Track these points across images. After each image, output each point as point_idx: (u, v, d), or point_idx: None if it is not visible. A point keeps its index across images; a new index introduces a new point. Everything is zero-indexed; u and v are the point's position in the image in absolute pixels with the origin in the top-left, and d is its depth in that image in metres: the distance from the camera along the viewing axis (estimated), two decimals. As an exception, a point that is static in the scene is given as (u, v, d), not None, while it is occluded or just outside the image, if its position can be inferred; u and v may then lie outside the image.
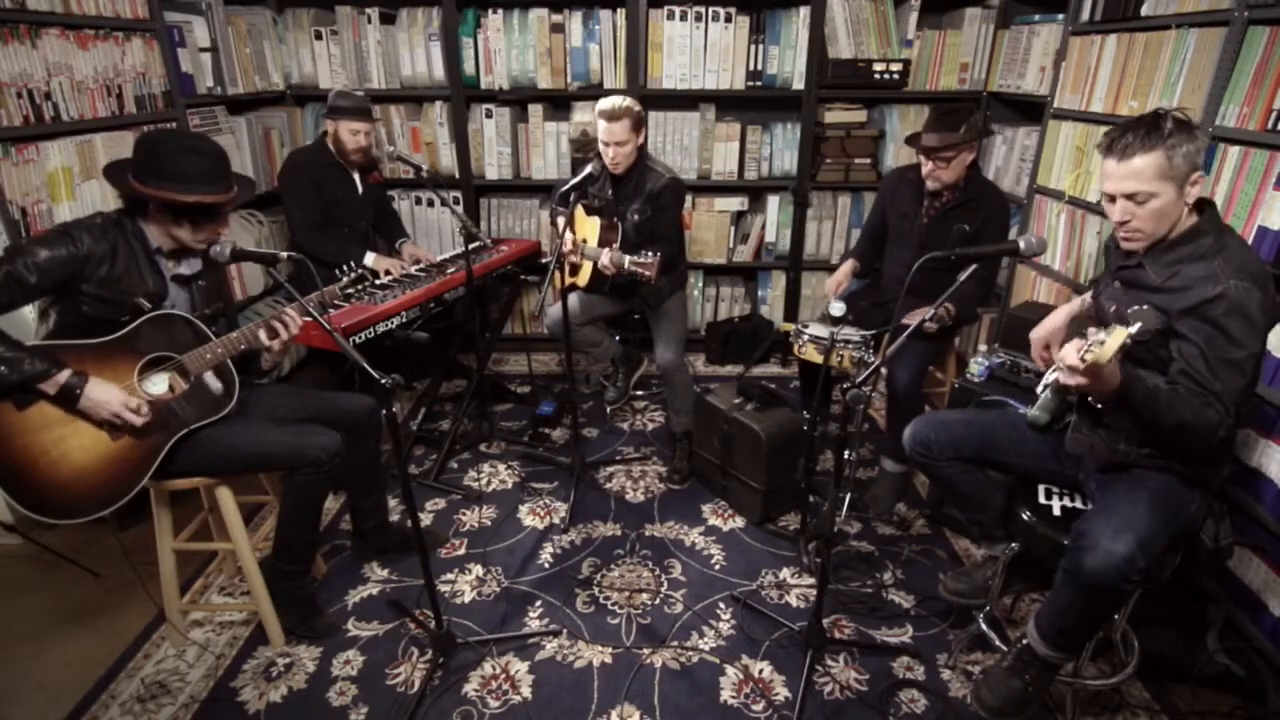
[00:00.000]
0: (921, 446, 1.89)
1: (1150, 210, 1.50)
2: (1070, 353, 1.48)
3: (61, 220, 1.95)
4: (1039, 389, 1.85)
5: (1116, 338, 1.35)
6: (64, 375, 1.58)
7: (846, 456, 1.80)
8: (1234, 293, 1.43)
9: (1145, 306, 1.54)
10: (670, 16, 3.31)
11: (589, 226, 2.79)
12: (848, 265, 2.76)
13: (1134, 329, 1.37)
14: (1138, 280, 1.61)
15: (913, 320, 2.40)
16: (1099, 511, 1.55)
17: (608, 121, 2.55)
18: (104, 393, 1.62)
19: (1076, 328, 1.84)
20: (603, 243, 2.72)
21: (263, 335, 1.85)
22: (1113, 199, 1.55)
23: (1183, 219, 1.54)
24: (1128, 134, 1.50)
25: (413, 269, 2.94)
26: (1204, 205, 1.56)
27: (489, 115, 3.50)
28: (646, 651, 2.01)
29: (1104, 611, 1.56)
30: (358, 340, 2.41)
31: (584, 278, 2.79)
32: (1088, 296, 1.88)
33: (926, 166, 2.44)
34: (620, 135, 2.57)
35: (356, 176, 2.91)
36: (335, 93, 2.78)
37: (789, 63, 3.40)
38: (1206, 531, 1.61)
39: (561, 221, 2.39)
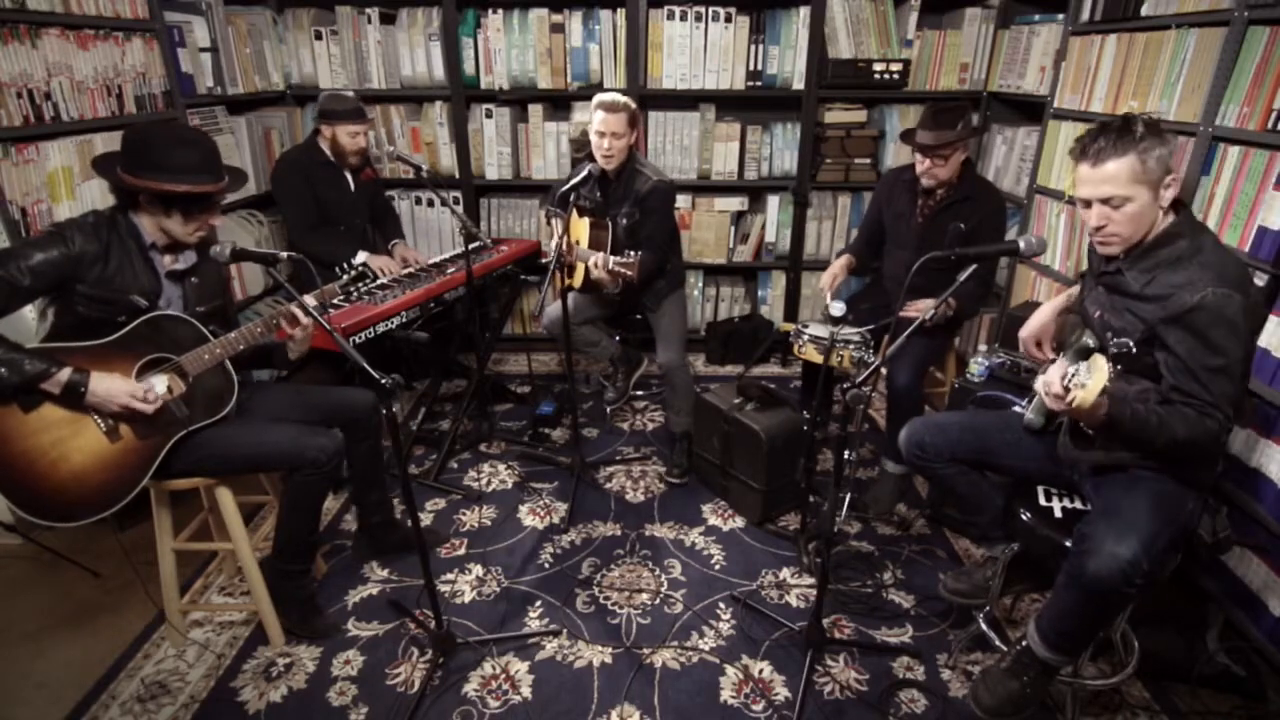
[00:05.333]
0: (918, 449, 1.89)
1: (1126, 214, 1.50)
2: (1055, 380, 1.48)
3: (60, 221, 1.95)
4: (1036, 385, 1.85)
5: (1098, 380, 1.36)
6: (65, 373, 1.58)
7: (846, 456, 1.80)
8: (1213, 300, 1.42)
9: (1128, 343, 1.53)
10: (670, 16, 3.32)
11: (580, 228, 2.79)
12: (842, 260, 2.75)
13: (1115, 369, 1.38)
14: (1118, 286, 1.61)
15: (912, 312, 2.42)
16: (1100, 514, 1.54)
17: (607, 112, 2.55)
18: (109, 385, 1.62)
19: (1071, 326, 1.84)
20: (593, 243, 2.72)
21: (283, 324, 1.86)
22: (1088, 204, 1.55)
23: (1158, 222, 1.54)
24: (1099, 139, 1.49)
25: (403, 272, 2.92)
26: (1178, 206, 1.56)
27: (489, 115, 3.50)
28: (646, 651, 2.01)
29: (1106, 615, 1.55)
30: (358, 340, 2.41)
31: (578, 279, 2.79)
32: (1074, 290, 1.88)
33: (923, 164, 2.44)
34: (617, 127, 2.56)
35: (349, 175, 2.91)
36: (327, 96, 2.77)
37: (789, 63, 3.40)
38: (1204, 527, 1.61)
39: (558, 223, 2.39)
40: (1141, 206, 1.49)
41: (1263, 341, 1.79)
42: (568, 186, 2.47)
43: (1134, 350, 1.52)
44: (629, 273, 2.38)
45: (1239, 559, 1.86)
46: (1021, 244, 1.64)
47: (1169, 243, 1.53)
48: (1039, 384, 1.61)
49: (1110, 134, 1.48)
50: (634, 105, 2.59)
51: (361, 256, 2.84)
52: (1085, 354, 1.69)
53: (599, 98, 2.57)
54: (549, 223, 2.89)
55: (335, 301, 2.53)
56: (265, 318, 1.87)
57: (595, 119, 2.59)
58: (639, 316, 3.01)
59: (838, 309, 2.32)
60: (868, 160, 3.56)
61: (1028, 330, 1.90)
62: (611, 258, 2.42)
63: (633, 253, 2.39)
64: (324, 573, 2.32)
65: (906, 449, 1.91)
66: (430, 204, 3.68)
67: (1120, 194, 1.49)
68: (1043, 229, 2.86)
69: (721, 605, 2.18)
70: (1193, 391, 1.46)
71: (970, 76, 3.44)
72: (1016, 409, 1.96)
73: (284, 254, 1.81)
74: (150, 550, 1.97)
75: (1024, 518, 1.73)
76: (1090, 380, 1.38)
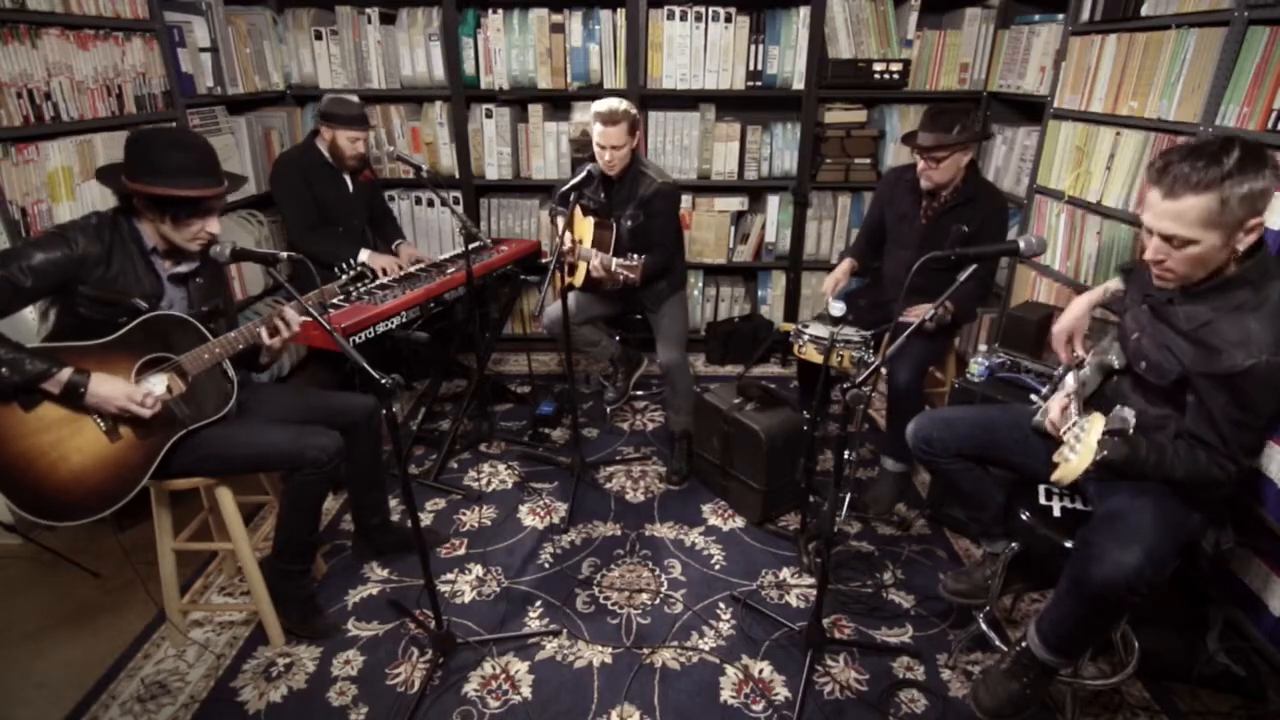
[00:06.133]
0: (924, 443, 1.88)
1: (1186, 256, 1.36)
2: (1054, 413, 1.46)
3: (61, 221, 1.95)
4: (1056, 377, 1.85)
5: (1083, 459, 1.34)
6: (66, 373, 1.58)
7: (846, 456, 1.80)
8: (1265, 368, 1.31)
9: (1129, 416, 1.40)
10: (670, 16, 3.31)
11: (584, 227, 2.80)
12: (845, 264, 2.76)
13: (1100, 455, 1.35)
14: (1165, 317, 1.51)
15: (911, 317, 2.42)
16: (1105, 520, 1.53)
17: (606, 125, 2.55)
18: (109, 387, 1.62)
19: (1097, 329, 1.83)
20: (596, 242, 2.72)
21: (263, 333, 1.85)
22: (1150, 231, 1.40)
23: (1228, 264, 1.40)
24: (1184, 163, 1.31)
25: (411, 268, 2.94)
26: (1255, 246, 1.39)
27: (489, 115, 3.50)
28: (646, 651, 2.01)
29: (1107, 621, 1.55)
30: (358, 340, 2.41)
31: (579, 278, 2.80)
32: (1111, 284, 1.82)
33: (920, 165, 2.44)
34: (617, 139, 2.57)
35: (347, 176, 2.91)
36: (331, 99, 2.76)
37: (789, 63, 3.40)
38: (1207, 539, 1.60)
39: (561, 222, 2.40)
40: (1206, 250, 1.34)
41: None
42: (568, 186, 2.47)
43: (1132, 431, 1.40)
44: (631, 275, 2.39)
45: (1239, 559, 1.86)
46: (1021, 244, 1.63)
47: (1233, 288, 1.39)
48: (1053, 404, 1.58)
49: (1197, 161, 1.29)
50: (633, 111, 2.58)
51: (364, 255, 2.85)
52: (1106, 372, 1.69)
53: (596, 108, 2.57)
54: (553, 221, 2.89)
55: (335, 301, 2.54)
56: (265, 317, 1.87)
57: (594, 131, 2.59)
58: (639, 316, 3.01)
59: (838, 309, 2.32)
60: (868, 160, 3.55)
61: (1061, 325, 1.82)
62: (614, 259, 2.42)
63: (636, 255, 2.39)
64: (324, 573, 2.32)
65: (913, 443, 1.91)
66: (430, 204, 3.68)
67: (1184, 235, 1.33)
68: (1043, 229, 2.86)
69: (721, 605, 2.18)
70: (1211, 442, 1.42)
71: (970, 76, 3.43)
72: (1033, 397, 1.95)
73: (284, 254, 1.81)
74: (150, 550, 1.97)
75: (1024, 517, 1.73)
76: (1075, 456, 1.35)
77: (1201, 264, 1.38)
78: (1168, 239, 1.37)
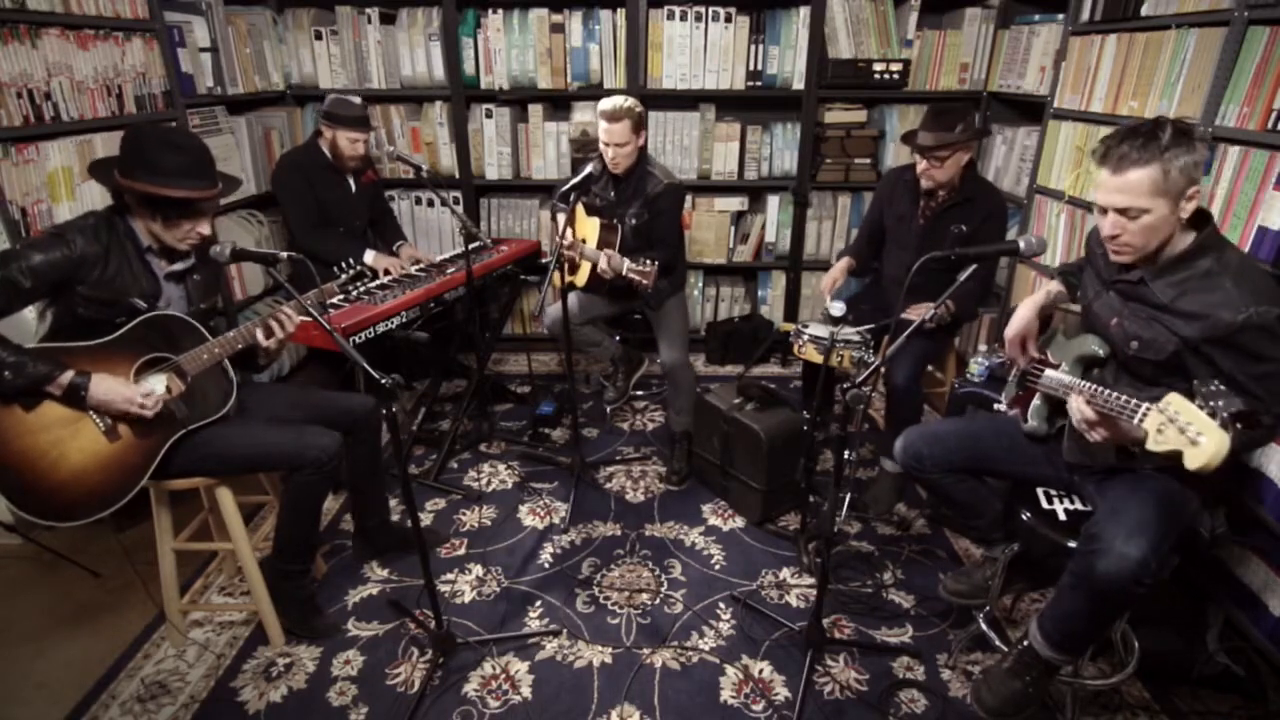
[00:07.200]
0: (914, 460, 1.88)
1: (1141, 226, 1.47)
2: (1089, 410, 1.46)
3: (60, 221, 1.95)
4: (1011, 380, 1.87)
5: (1214, 433, 1.21)
6: (68, 376, 1.59)
7: (846, 456, 1.80)
8: (1258, 319, 1.39)
9: (1223, 388, 1.32)
10: (670, 16, 3.32)
11: (588, 226, 2.79)
12: (843, 262, 2.76)
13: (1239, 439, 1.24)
14: (1140, 296, 1.57)
15: (912, 315, 2.41)
16: (1108, 514, 1.54)
17: (609, 122, 2.55)
18: (110, 388, 1.63)
19: (1065, 327, 1.84)
20: (602, 243, 2.72)
21: (259, 334, 1.84)
22: (1104, 211, 1.51)
23: (1178, 235, 1.50)
24: (1124, 144, 1.45)
25: (413, 269, 2.94)
26: (1203, 219, 1.51)
27: (489, 115, 3.50)
28: (646, 651, 2.01)
29: (1112, 615, 1.55)
30: (358, 340, 2.41)
31: (582, 278, 2.79)
32: (1052, 286, 1.86)
33: (921, 165, 2.44)
34: (620, 136, 2.57)
35: (350, 177, 2.91)
36: (334, 99, 2.76)
37: (789, 63, 3.40)
38: (1203, 524, 1.61)
39: (562, 219, 2.40)
40: (1158, 219, 1.45)
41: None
42: (569, 185, 2.47)
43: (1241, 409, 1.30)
44: (645, 280, 2.40)
45: (1239, 559, 1.86)
46: (1021, 244, 1.63)
47: (1193, 259, 1.48)
48: (1072, 409, 1.55)
49: (1136, 139, 1.43)
50: (638, 109, 2.58)
51: (369, 256, 2.85)
52: (1090, 363, 1.69)
53: (600, 105, 2.58)
54: (554, 219, 2.89)
55: (335, 301, 2.54)
56: (263, 317, 1.87)
57: (599, 128, 2.60)
58: (639, 316, 3.01)
59: (838, 309, 2.32)
60: (868, 160, 3.56)
61: (1012, 331, 1.84)
62: (626, 261, 2.43)
63: (647, 260, 2.40)
64: (324, 573, 2.32)
65: (903, 460, 1.91)
66: (430, 204, 3.68)
67: (1138, 206, 1.44)
68: (1043, 229, 2.86)
69: (721, 605, 2.18)
70: (1245, 402, 1.41)
71: (970, 76, 3.44)
72: (997, 406, 1.95)
73: (284, 254, 1.81)
74: (150, 550, 1.97)
75: (1024, 518, 1.73)
76: (1206, 439, 1.22)
77: (1155, 233, 1.48)
78: (1122, 211, 1.47)
